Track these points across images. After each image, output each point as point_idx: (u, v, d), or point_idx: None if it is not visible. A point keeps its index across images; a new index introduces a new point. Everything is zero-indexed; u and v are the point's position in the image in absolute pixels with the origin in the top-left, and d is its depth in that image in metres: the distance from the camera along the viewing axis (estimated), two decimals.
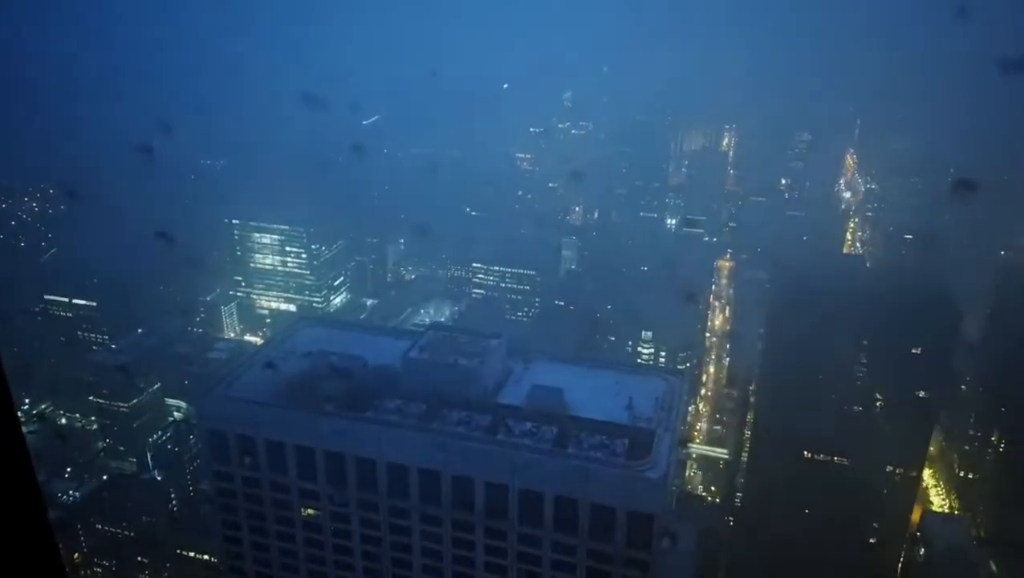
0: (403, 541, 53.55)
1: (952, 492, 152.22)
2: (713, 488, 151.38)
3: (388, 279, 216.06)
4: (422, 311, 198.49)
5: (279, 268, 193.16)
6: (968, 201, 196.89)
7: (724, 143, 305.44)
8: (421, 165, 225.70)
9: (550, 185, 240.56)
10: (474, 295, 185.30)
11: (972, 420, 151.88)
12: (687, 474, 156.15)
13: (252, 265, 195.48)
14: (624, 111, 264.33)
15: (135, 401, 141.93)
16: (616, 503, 45.91)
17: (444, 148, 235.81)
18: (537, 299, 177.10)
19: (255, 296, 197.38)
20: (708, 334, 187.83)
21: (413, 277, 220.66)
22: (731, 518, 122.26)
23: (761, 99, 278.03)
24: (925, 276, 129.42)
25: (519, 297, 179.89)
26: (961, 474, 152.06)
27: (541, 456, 47.36)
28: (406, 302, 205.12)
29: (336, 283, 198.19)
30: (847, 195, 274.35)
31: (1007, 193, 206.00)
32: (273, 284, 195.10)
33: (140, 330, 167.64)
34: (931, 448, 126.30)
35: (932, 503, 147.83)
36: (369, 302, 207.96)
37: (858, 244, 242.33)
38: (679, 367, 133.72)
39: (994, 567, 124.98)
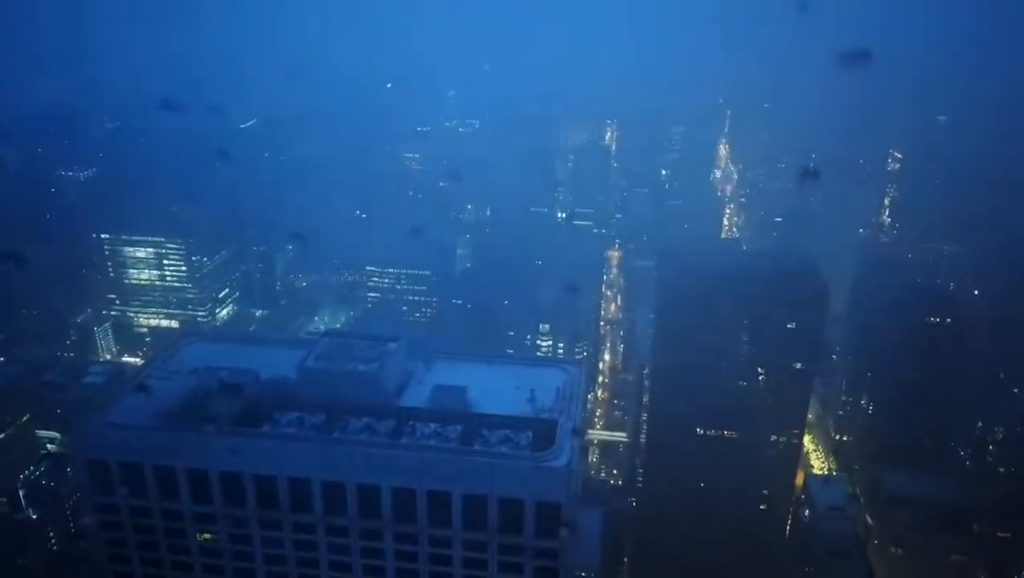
0: (309, 556, 52.03)
1: (830, 455, 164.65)
2: (615, 471, 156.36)
3: (278, 288, 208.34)
4: (316, 319, 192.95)
5: (157, 283, 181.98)
6: (828, 183, 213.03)
7: (607, 137, 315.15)
8: (306, 168, 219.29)
9: (440, 184, 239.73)
10: (370, 299, 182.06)
11: (843, 387, 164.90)
12: (590, 460, 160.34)
13: (127, 281, 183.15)
14: (509, 108, 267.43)
15: (0, 436, 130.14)
16: (523, 495, 46.55)
17: (329, 150, 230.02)
18: (434, 299, 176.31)
19: (132, 314, 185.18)
20: (602, 323, 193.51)
21: (304, 284, 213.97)
22: (633, 499, 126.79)
23: (637, 93, 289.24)
24: (795, 256, 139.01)
25: (416, 298, 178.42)
26: (837, 438, 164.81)
27: (447, 456, 47.30)
28: (298, 311, 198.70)
29: (221, 295, 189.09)
30: (722, 183, 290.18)
31: (863, 175, 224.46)
32: (152, 300, 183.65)
33: (1, 359, 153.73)
34: (809, 416, 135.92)
35: (813, 466, 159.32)
36: (258, 313, 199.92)
37: (734, 229, 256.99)
38: (577, 357, 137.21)
39: (870, 520, 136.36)
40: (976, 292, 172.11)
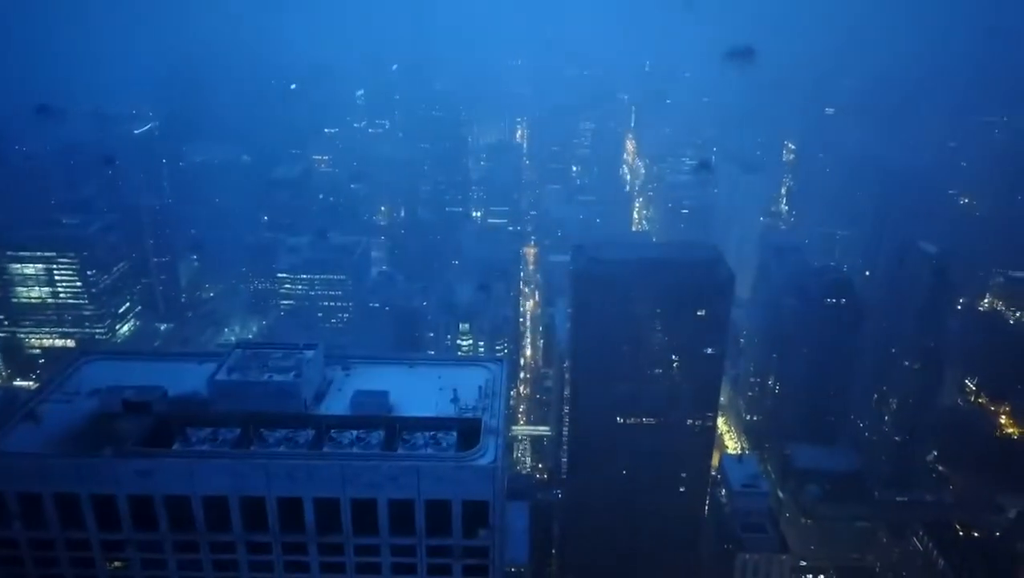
0: (230, 576, 50.20)
1: (742, 434, 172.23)
2: (540, 465, 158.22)
3: (183, 300, 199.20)
4: (226, 330, 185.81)
5: (49, 300, 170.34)
6: (730, 175, 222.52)
7: (517, 135, 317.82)
8: (208, 174, 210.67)
9: (352, 186, 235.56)
10: (283, 307, 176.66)
11: (752, 369, 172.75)
12: (516, 456, 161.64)
13: (15, 300, 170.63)
14: (418, 108, 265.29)
15: None
16: (450, 496, 46.48)
17: (233, 153, 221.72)
18: (350, 303, 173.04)
19: (22, 335, 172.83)
20: (521, 319, 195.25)
21: (212, 295, 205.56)
22: (559, 490, 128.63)
23: (545, 91, 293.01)
24: (702, 245, 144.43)
25: (331, 304, 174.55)
26: (747, 418, 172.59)
27: (370, 462, 46.62)
28: (206, 322, 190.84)
29: (121, 310, 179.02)
30: (630, 177, 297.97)
31: (761, 166, 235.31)
32: (44, 319, 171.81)
33: None
34: (721, 398, 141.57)
35: (727, 447, 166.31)
36: (163, 327, 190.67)
37: (644, 222, 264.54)
38: (498, 354, 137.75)
39: (781, 495, 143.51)
40: (867, 273, 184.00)
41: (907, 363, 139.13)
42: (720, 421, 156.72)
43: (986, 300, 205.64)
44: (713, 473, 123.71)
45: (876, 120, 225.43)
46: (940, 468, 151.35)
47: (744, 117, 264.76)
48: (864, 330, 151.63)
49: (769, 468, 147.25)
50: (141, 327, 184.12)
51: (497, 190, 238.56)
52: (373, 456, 47.15)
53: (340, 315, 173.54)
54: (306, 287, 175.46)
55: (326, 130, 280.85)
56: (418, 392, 53.25)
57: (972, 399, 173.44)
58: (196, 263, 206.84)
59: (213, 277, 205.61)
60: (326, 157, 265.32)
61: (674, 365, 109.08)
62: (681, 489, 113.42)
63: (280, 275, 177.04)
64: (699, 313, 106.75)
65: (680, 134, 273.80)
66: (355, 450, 47.83)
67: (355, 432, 49.07)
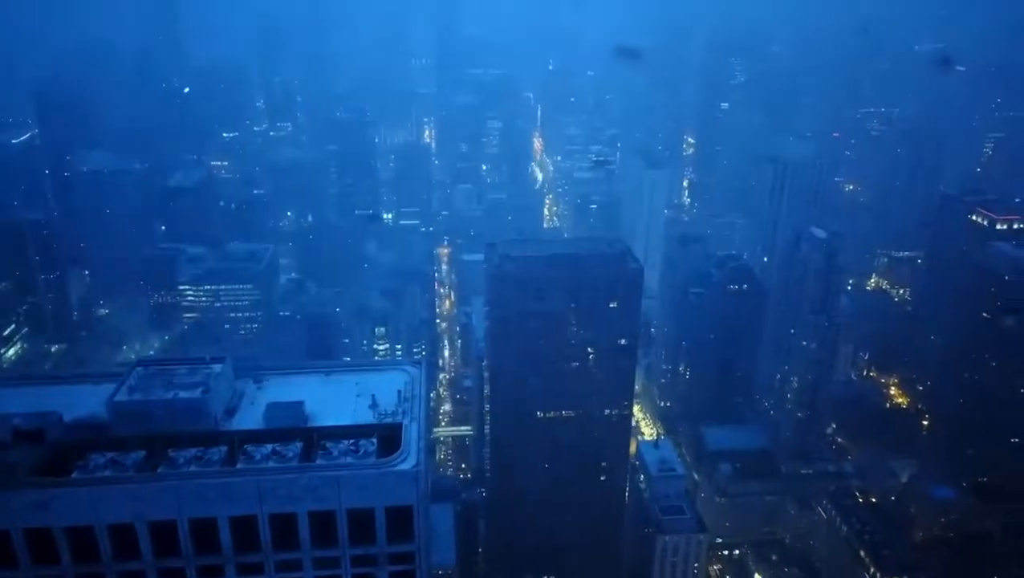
0: None
1: (657, 421, 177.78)
2: (463, 465, 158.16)
3: (75, 318, 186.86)
4: (124, 348, 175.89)
5: None
6: (634, 169, 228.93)
7: (425, 135, 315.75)
8: (98, 183, 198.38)
9: (255, 192, 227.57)
10: (186, 321, 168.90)
11: (663, 357, 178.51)
12: (439, 457, 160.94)
13: None
14: (321, 109, 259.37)
15: None
16: (373, 503, 45.75)
17: (124, 161, 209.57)
18: (259, 313, 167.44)
19: None
20: (438, 320, 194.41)
21: (107, 312, 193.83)
22: (483, 489, 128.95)
23: (450, 90, 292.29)
24: (611, 239, 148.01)
25: (239, 314, 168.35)
26: (662, 404, 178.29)
27: (288, 476, 45.25)
28: (102, 341, 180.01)
29: (6, 332, 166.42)
30: (540, 175, 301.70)
31: (663, 160, 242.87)
32: None
33: None
34: (636, 387, 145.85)
35: (644, 434, 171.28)
36: (54, 348, 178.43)
37: (555, 218, 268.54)
38: (416, 356, 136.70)
39: (696, 476, 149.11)
40: (765, 259, 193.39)
41: (804, 343, 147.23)
42: (636, 409, 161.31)
43: (872, 279, 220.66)
44: (632, 460, 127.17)
45: (766, 113, 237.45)
46: (839, 439, 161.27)
47: (645, 114, 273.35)
48: (765, 313, 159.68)
49: (684, 451, 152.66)
50: (28, 350, 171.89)
51: (407, 191, 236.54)
52: (290, 469, 45.82)
53: (249, 326, 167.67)
54: (211, 298, 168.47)
55: (224, 134, 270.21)
56: (335, 400, 52.15)
57: (864, 373, 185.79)
58: (88, 279, 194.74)
59: (108, 293, 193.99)
60: (225, 163, 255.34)
61: (590, 358, 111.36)
62: (602, 478, 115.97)
63: (182, 287, 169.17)
64: (611, 306, 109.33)
65: (586, 131, 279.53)
66: (271, 464, 46.33)
67: (270, 446, 47.50)
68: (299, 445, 47.61)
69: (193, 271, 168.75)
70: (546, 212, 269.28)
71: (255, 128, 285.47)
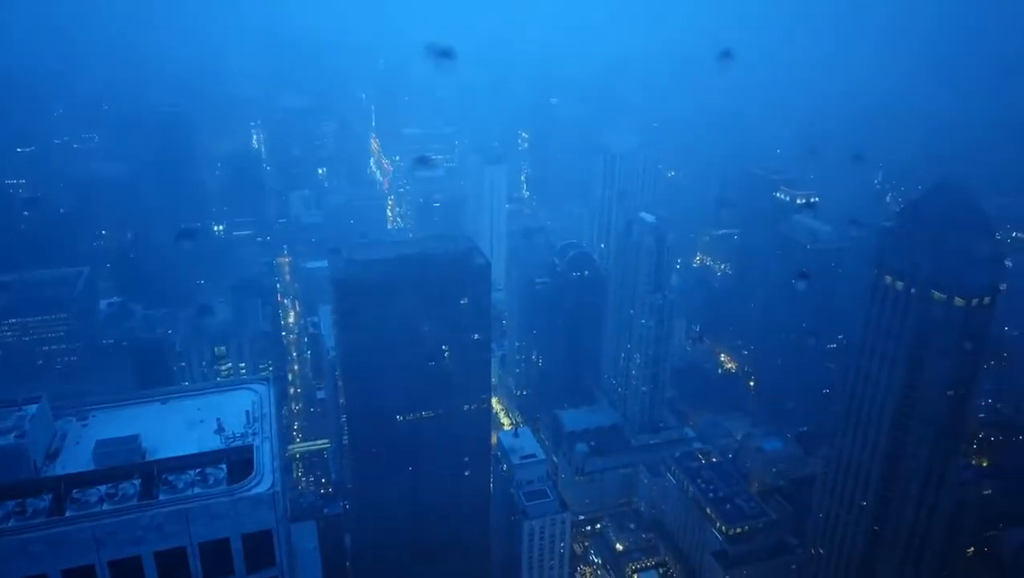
0: None
1: (514, 410, 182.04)
2: (324, 480, 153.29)
3: None
4: None
5: None
6: (475, 167, 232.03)
7: (254, 140, 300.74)
8: None
9: (62, 211, 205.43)
10: None
11: (516, 347, 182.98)
12: (296, 475, 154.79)
13: None
14: (133, 118, 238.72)
15: None
16: (228, 532, 43.34)
17: None
18: (78, 344, 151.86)
19: None
20: (284, 333, 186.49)
21: None
22: (346, 502, 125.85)
23: (278, 93, 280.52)
24: (457, 236, 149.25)
25: (54, 347, 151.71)
26: (518, 393, 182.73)
27: (127, 517, 41.76)
28: None
29: None
30: (380, 176, 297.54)
31: (501, 156, 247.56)
32: None
33: None
34: (493, 379, 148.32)
35: (503, 424, 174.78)
36: None
37: (399, 219, 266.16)
38: (263, 373, 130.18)
39: (555, 459, 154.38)
40: (603, 245, 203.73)
41: (643, 321, 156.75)
42: (494, 401, 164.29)
43: (698, 257, 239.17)
44: (494, 451, 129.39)
45: (592, 107, 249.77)
46: (681, 408, 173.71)
47: (481, 111, 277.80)
48: (607, 296, 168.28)
49: (543, 436, 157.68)
50: None
51: (239, 200, 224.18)
52: (129, 509, 42.31)
53: (67, 359, 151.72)
54: (17, 333, 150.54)
55: (19, 149, 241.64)
56: (176, 429, 48.74)
57: (697, 344, 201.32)
58: None
59: None
60: (22, 181, 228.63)
61: (444, 356, 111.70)
62: (466, 473, 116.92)
63: None
64: (462, 302, 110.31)
65: (423, 130, 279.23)
66: (106, 507, 42.54)
67: (103, 487, 43.57)
68: (137, 482, 44.11)
69: None
70: (389, 213, 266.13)
71: (55, 140, 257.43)
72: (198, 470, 45.19)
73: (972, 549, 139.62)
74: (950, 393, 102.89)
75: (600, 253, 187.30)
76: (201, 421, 49.46)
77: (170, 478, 44.68)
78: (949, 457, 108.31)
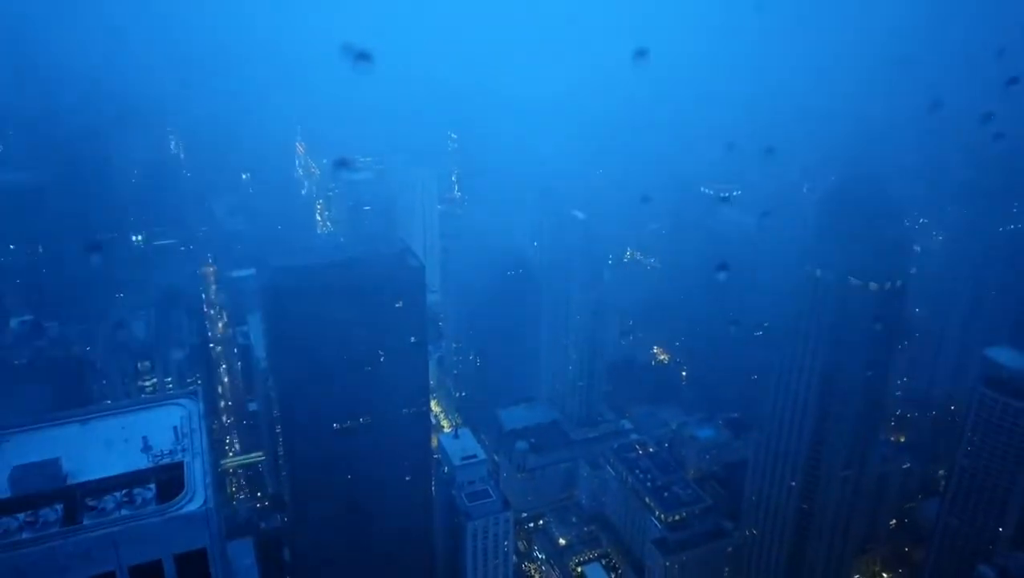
0: None
1: (454, 412, 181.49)
2: (259, 494, 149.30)
3: None
4: None
5: None
6: (402, 170, 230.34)
7: (172, 145, 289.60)
8: None
9: None
10: None
11: (454, 348, 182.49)
12: (231, 490, 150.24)
13: None
14: (33, 123, 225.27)
15: None
16: (160, 554, 41.80)
17: None
18: None
19: None
20: (212, 345, 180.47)
21: None
22: (284, 515, 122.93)
23: (195, 97, 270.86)
24: (389, 240, 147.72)
25: None
26: (457, 394, 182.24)
27: (48, 545, 39.73)
28: None
29: None
30: (307, 180, 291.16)
31: (430, 157, 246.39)
32: None
33: None
34: (431, 382, 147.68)
35: (443, 427, 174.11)
36: None
37: (328, 223, 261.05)
38: (190, 387, 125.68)
39: (496, 458, 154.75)
40: (535, 243, 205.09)
41: (578, 317, 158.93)
42: (433, 404, 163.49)
43: (628, 253, 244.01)
44: (435, 454, 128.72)
45: (519, 106, 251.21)
46: (617, 401, 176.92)
47: (409, 111, 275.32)
48: (542, 294, 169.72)
49: (483, 437, 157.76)
50: None
51: (158, 208, 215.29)
52: (50, 536, 40.28)
53: None
54: None
55: None
56: (99, 450, 46.66)
57: (631, 337, 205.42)
58: None
59: None
60: None
61: (381, 360, 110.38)
62: (407, 479, 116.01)
63: None
64: (397, 305, 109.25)
65: (350, 132, 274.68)
66: (25, 536, 40.38)
67: (21, 515, 41.35)
68: (59, 508, 42.09)
69: None
70: (318, 217, 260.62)
71: None
72: (125, 491, 43.50)
73: (894, 521, 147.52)
74: (869, 374, 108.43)
75: (533, 252, 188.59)
76: (126, 440, 47.63)
77: (95, 502, 42.81)
78: (870, 435, 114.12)
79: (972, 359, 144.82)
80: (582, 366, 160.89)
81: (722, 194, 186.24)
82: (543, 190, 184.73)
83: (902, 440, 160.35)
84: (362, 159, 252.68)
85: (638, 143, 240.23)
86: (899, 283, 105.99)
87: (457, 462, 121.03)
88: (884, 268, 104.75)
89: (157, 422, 49.18)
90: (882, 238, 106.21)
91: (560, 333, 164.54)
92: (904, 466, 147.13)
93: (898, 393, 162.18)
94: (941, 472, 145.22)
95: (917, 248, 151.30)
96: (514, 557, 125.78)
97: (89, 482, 44.07)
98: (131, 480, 44.24)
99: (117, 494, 43.24)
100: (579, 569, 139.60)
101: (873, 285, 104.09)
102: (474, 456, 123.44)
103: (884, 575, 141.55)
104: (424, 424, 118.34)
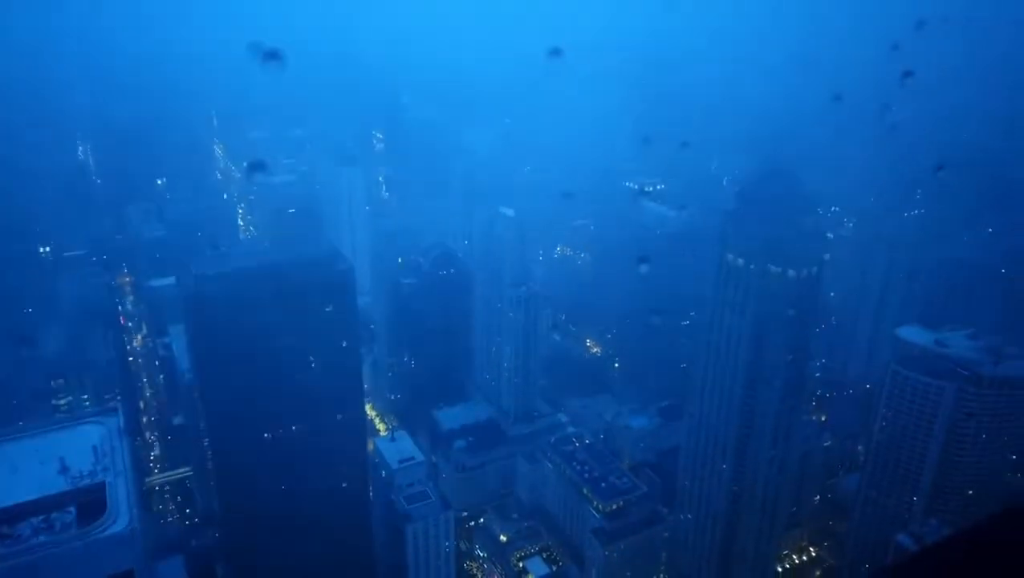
0: None
1: (389, 415, 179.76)
2: (188, 510, 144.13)
3: None
4: None
5: None
6: (328, 169, 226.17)
7: (80, 152, 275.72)
8: None
9: None
10: None
11: (387, 351, 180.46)
12: (158, 508, 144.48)
13: None
14: None
15: None
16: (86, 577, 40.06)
17: None
18: None
19: None
20: (131, 358, 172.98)
21: None
22: (216, 532, 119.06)
23: (106, 101, 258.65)
24: (315, 242, 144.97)
25: None
26: (392, 397, 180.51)
27: None
28: None
29: None
30: (227, 184, 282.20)
31: (356, 158, 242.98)
32: None
33: None
34: (365, 386, 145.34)
35: (379, 430, 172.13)
36: None
37: (251, 228, 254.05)
38: (109, 404, 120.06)
39: (434, 459, 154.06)
40: (466, 242, 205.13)
41: (511, 314, 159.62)
42: (368, 408, 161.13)
43: (558, 248, 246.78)
44: (372, 459, 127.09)
45: (444, 105, 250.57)
46: (552, 395, 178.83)
47: (330, 113, 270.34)
48: (474, 292, 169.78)
49: (420, 438, 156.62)
50: None
51: (67, 218, 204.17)
52: None
53: None
54: None
55: None
56: (12, 474, 44.21)
57: (564, 331, 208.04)
58: None
59: None
60: None
61: (312, 366, 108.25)
62: (343, 485, 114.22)
63: None
64: (326, 309, 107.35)
65: (270, 134, 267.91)
66: None
67: None
68: None
69: None
70: (241, 222, 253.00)
71: None
72: (43, 517, 41.46)
73: (818, 497, 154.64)
74: (789, 357, 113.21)
75: (464, 250, 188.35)
76: (40, 463, 45.34)
77: (9, 529, 40.61)
78: (793, 415, 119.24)
79: (884, 339, 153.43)
80: (516, 362, 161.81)
81: (645, 188, 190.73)
82: (472, 188, 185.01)
83: (823, 419, 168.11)
84: (284, 161, 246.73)
85: (562, 138, 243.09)
86: (815, 269, 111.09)
87: (395, 465, 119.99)
88: (801, 255, 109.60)
89: (74, 442, 47.00)
90: (798, 227, 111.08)
91: (494, 331, 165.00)
92: (825, 444, 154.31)
93: (817, 374, 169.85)
94: (860, 448, 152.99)
95: (830, 235, 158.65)
96: (455, 557, 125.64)
97: (4, 508, 41.78)
98: (48, 504, 42.22)
99: (34, 520, 41.19)
100: (520, 564, 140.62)
101: (791, 272, 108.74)
102: (412, 458, 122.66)
103: (811, 549, 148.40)
104: (359, 429, 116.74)
